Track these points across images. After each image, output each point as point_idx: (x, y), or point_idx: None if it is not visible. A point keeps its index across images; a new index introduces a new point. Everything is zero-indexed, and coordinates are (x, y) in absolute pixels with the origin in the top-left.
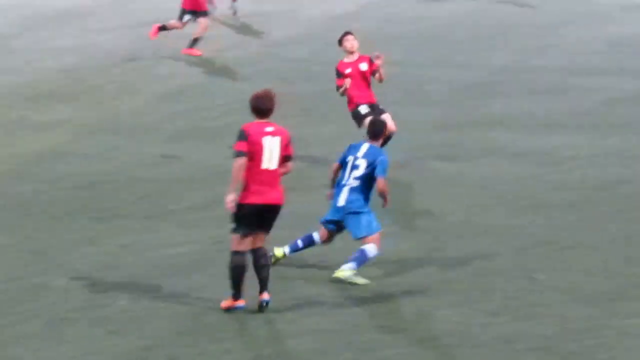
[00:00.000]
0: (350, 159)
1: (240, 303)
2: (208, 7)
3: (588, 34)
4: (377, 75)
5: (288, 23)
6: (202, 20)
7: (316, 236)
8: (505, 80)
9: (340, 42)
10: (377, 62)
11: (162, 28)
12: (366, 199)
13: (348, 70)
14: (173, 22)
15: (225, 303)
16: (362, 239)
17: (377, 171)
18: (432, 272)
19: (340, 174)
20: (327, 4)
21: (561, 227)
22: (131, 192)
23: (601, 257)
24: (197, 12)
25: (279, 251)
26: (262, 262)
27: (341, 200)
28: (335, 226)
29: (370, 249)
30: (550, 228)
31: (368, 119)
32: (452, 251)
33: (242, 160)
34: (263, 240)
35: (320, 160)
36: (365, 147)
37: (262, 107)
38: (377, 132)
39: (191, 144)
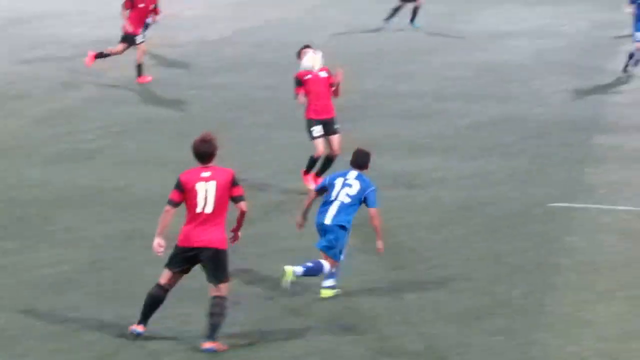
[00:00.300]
0: (339, 180)
1: (138, 328)
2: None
3: (455, 60)
4: (334, 88)
5: (163, 48)
6: (141, 45)
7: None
8: (375, 104)
9: (298, 54)
10: (337, 76)
11: (100, 56)
12: (350, 219)
13: (308, 77)
14: (119, 47)
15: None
16: (321, 252)
17: (370, 202)
18: (300, 293)
19: (310, 203)
20: (201, 30)
21: (429, 248)
22: (9, 214)
23: (467, 276)
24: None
25: (289, 269)
26: (212, 310)
27: (328, 219)
28: None
29: (326, 265)
30: (418, 248)
31: (319, 141)
32: None
33: (166, 208)
34: (220, 290)
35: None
36: (353, 173)
37: (198, 151)
38: (362, 162)
39: (68, 166)
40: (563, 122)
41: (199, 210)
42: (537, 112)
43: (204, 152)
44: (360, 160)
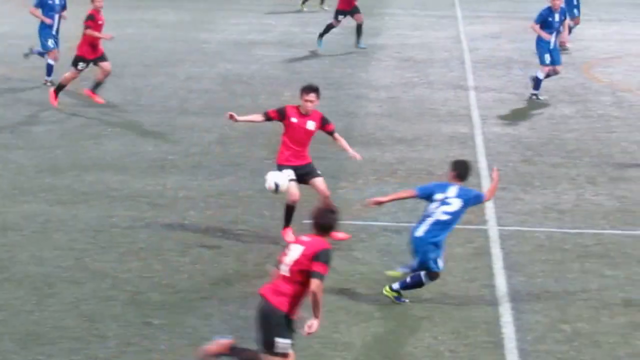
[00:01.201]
0: (439, 196)
1: None
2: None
3: (200, 72)
4: (334, 135)
5: None
6: (105, 65)
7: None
8: (117, 120)
9: (301, 94)
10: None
11: (60, 88)
12: (444, 235)
13: (294, 120)
14: (67, 75)
15: None
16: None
17: (481, 197)
18: (41, 319)
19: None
20: None
21: (177, 270)
22: None
23: (218, 299)
24: (98, 58)
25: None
26: None
27: (420, 231)
28: None
29: (425, 277)
30: (166, 271)
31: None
32: (65, 297)
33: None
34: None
35: None
36: (454, 189)
37: (315, 220)
38: (464, 174)
39: None
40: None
41: (281, 268)
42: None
43: (316, 223)
44: (463, 172)
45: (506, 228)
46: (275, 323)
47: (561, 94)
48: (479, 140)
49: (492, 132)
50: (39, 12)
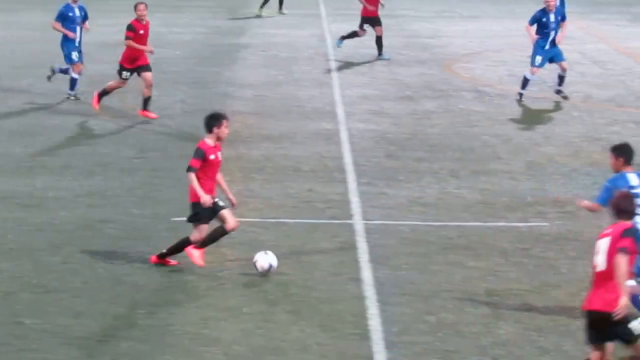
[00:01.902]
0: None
1: None
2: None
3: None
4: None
5: None
6: (146, 75)
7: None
8: None
9: (221, 122)
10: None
11: (103, 93)
12: None
13: (212, 157)
14: (112, 82)
15: None
16: None
17: None
18: None
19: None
20: None
21: (48, 270)
22: None
23: (88, 298)
24: (140, 67)
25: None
26: None
27: None
28: None
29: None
30: (37, 271)
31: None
32: None
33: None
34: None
35: None
36: (634, 177)
37: (618, 207)
38: (631, 155)
39: None
40: (183, 133)
41: (596, 268)
42: (155, 123)
43: (618, 210)
44: (629, 155)
45: (371, 222)
46: (605, 326)
47: (424, 89)
48: (344, 136)
49: (357, 128)
50: (59, 25)
